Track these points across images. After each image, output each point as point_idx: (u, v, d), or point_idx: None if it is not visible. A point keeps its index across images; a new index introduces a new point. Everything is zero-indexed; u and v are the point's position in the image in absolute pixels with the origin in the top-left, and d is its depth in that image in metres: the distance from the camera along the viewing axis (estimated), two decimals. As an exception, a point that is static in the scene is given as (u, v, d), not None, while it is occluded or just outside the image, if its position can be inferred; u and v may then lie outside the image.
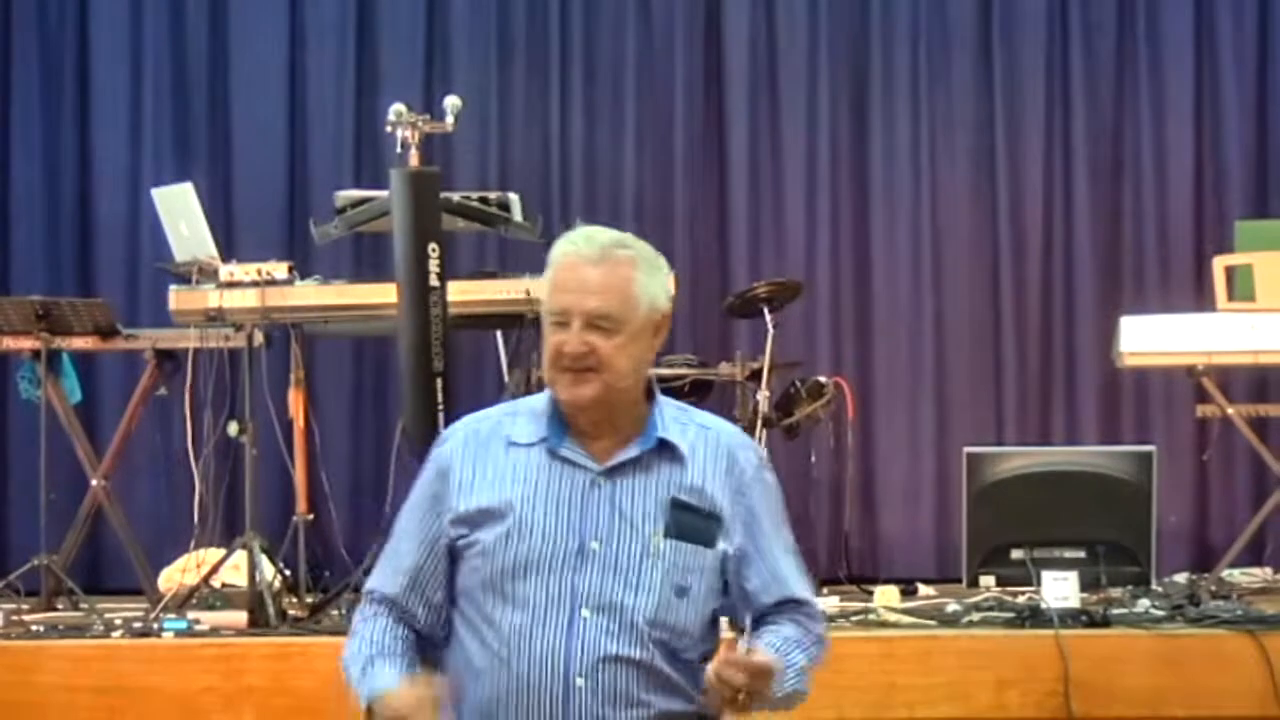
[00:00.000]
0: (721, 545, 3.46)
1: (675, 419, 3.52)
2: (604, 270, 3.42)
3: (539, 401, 3.53)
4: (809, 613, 3.55)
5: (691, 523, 3.44)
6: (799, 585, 3.55)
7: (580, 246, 3.44)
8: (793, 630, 3.50)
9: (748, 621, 3.36)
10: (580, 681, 3.34)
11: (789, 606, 3.52)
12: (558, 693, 3.34)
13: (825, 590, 7.74)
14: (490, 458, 3.47)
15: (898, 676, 6.35)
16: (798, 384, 7.90)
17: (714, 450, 3.51)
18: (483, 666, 3.40)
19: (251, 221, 9.22)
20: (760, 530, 3.52)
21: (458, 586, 3.47)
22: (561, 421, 3.47)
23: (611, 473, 3.44)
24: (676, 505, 3.44)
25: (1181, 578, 7.87)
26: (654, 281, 3.47)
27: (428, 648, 3.53)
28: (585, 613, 3.36)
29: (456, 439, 3.54)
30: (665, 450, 3.48)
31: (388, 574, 3.55)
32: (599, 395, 3.41)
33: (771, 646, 3.40)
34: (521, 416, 3.52)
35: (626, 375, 3.44)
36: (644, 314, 3.45)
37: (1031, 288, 9.28)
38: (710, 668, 3.30)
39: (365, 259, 9.04)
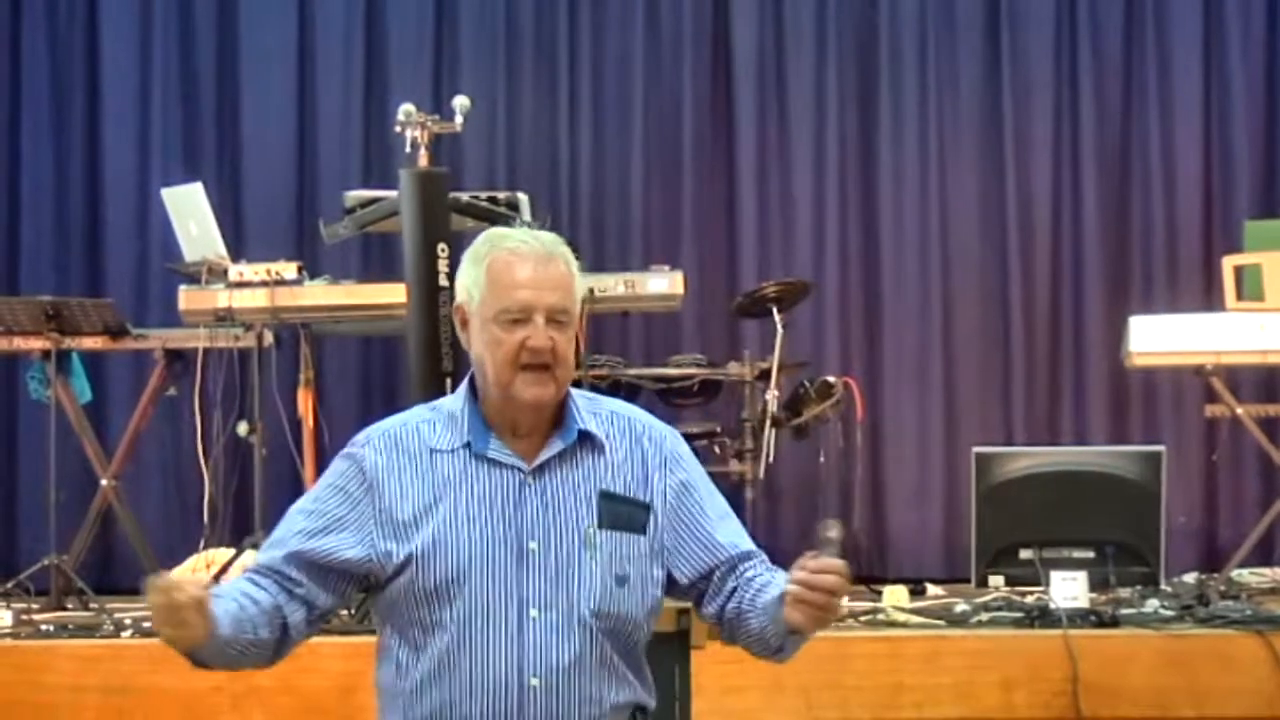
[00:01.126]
0: (651, 530, 3.46)
1: (588, 409, 3.51)
2: (554, 267, 3.45)
3: (454, 404, 3.51)
4: (766, 563, 3.52)
5: (621, 511, 3.45)
6: (748, 542, 3.53)
7: (531, 244, 3.47)
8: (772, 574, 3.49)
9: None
10: (535, 682, 3.34)
11: (746, 559, 3.51)
12: (513, 695, 3.34)
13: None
14: (415, 468, 3.45)
15: (905, 676, 6.34)
16: (806, 384, 7.90)
17: (628, 436, 3.51)
18: (425, 674, 3.38)
19: (261, 221, 9.24)
20: (701, 498, 3.52)
21: (387, 599, 3.44)
22: (482, 423, 3.46)
23: (540, 470, 3.43)
24: (605, 496, 3.44)
25: (1190, 578, 7.85)
26: (577, 273, 3.52)
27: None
28: (534, 613, 3.36)
29: (377, 446, 3.50)
30: (586, 442, 3.48)
31: (274, 548, 3.51)
32: (557, 393, 3.43)
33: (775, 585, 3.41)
34: (440, 421, 3.50)
35: (573, 369, 3.48)
36: (578, 310, 3.50)
37: (1040, 288, 9.28)
38: (796, 579, 3.28)
39: (374, 259, 9.05)
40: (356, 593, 3.55)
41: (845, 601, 3.39)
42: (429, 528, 3.39)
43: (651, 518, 3.46)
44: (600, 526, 3.42)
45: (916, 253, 9.31)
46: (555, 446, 3.45)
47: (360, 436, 3.55)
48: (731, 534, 3.51)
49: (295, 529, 3.48)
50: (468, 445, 3.44)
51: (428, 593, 3.37)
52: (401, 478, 3.44)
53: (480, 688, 3.35)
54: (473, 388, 3.49)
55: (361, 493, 3.45)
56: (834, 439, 8.19)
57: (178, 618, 3.26)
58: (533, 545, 3.39)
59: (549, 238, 3.51)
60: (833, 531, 3.30)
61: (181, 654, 3.35)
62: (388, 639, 3.47)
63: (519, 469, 3.42)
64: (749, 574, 3.48)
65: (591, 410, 3.51)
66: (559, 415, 3.47)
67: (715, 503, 3.55)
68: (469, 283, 3.50)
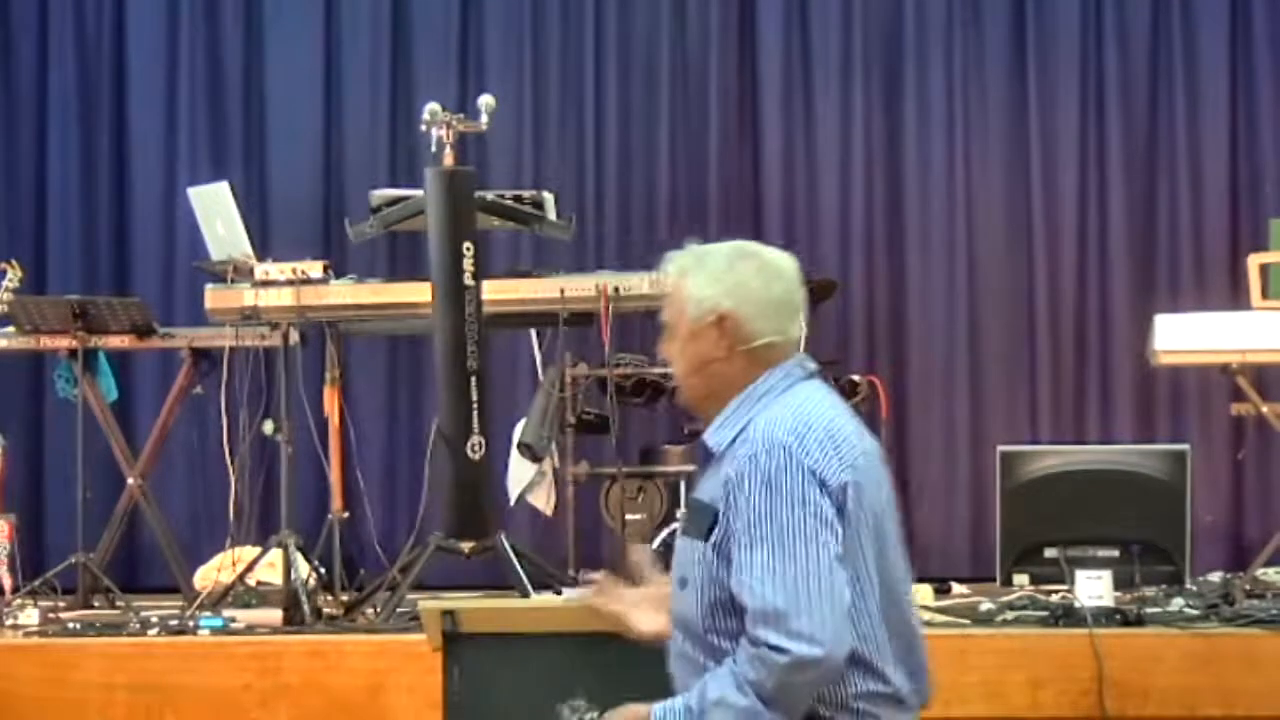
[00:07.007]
0: (717, 535, 3.43)
1: (731, 418, 3.53)
2: (668, 282, 3.61)
3: None
4: (743, 650, 3.40)
5: (694, 517, 3.51)
6: (753, 600, 3.35)
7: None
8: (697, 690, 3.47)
9: None
10: (671, 670, 3.58)
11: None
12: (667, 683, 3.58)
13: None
14: None
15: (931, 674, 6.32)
16: (831, 383, 7.90)
17: (737, 445, 3.48)
18: None
19: (287, 220, 9.26)
20: (739, 522, 3.41)
21: None
22: None
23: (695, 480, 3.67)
24: (689, 504, 3.64)
25: (1216, 577, 7.81)
26: (699, 282, 3.55)
27: None
28: None
29: None
30: (709, 451, 3.58)
31: None
32: (686, 397, 3.63)
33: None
34: None
35: (687, 375, 3.59)
36: (694, 315, 3.54)
37: (1066, 286, 9.27)
38: None
39: (400, 258, 9.07)
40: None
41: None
42: None
43: (718, 523, 3.43)
44: (682, 534, 3.55)
45: (942, 252, 9.31)
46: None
47: None
48: (743, 584, 3.38)
49: None
50: None
51: None
52: None
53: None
54: None
55: None
56: (859, 438, 8.17)
57: None
58: None
59: (684, 251, 3.63)
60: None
61: None
62: None
63: None
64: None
65: (735, 419, 3.53)
66: None
67: (750, 533, 3.39)
68: None
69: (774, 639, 3.30)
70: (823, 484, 3.39)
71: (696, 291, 3.54)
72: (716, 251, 3.59)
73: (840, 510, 3.40)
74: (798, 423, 3.43)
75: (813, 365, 3.61)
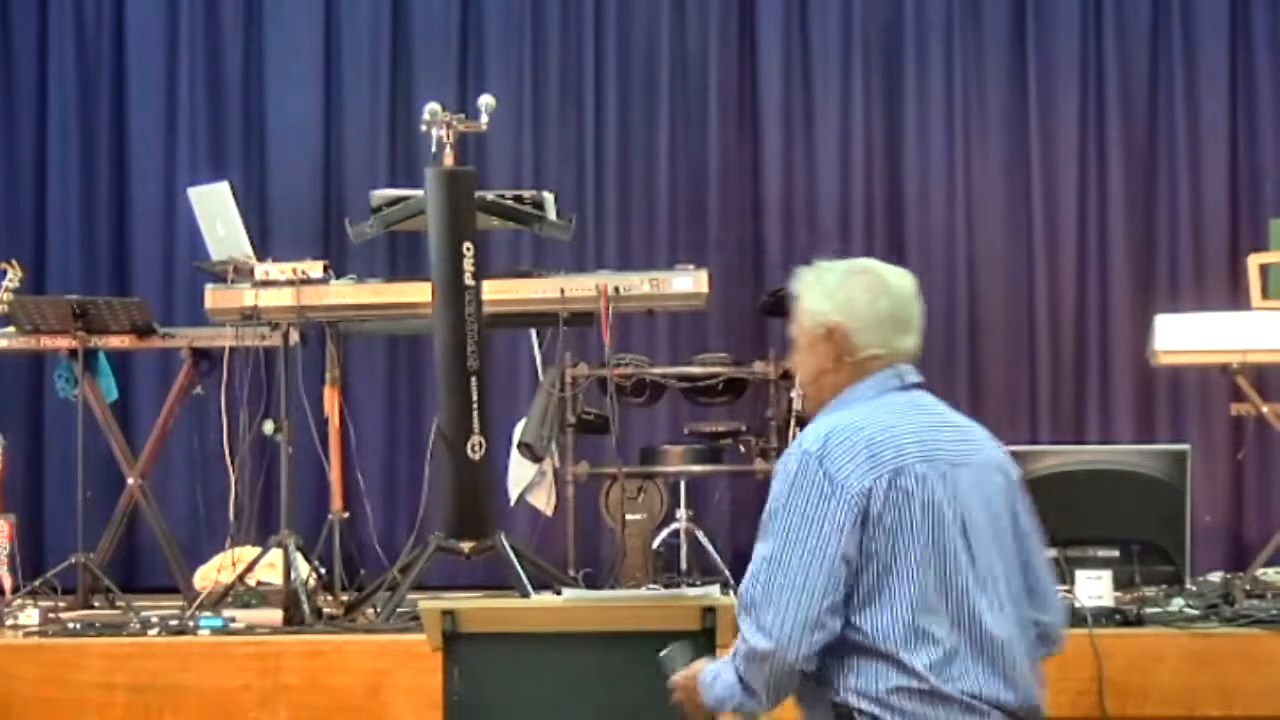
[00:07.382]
0: None
1: (817, 420, 3.72)
2: (795, 297, 3.81)
3: None
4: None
5: None
6: (742, 589, 3.62)
7: None
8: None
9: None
10: None
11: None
12: None
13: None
14: None
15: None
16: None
17: None
18: None
19: (287, 220, 9.27)
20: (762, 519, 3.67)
21: None
22: None
23: None
24: None
25: (1216, 577, 7.80)
26: (815, 296, 3.76)
27: None
28: None
29: None
30: None
31: None
32: (806, 405, 3.81)
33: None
34: None
35: (805, 384, 3.85)
36: (808, 327, 3.75)
37: (1066, 286, 9.28)
38: None
39: (400, 258, 9.08)
40: None
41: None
42: None
43: None
44: None
45: (942, 251, 9.31)
46: None
47: None
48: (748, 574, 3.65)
49: None
50: None
51: None
52: None
53: None
54: None
55: None
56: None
57: None
58: None
59: (806, 268, 3.82)
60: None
61: None
62: None
63: None
64: None
65: (816, 425, 3.71)
66: None
67: (761, 533, 3.63)
68: None
69: (743, 626, 3.55)
70: (842, 488, 3.53)
71: (812, 305, 3.75)
72: (835, 268, 3.79)
73: (863, 514, 3.53)
74: (836, 429, 3.61)
75: (913, 377, 3.83)
